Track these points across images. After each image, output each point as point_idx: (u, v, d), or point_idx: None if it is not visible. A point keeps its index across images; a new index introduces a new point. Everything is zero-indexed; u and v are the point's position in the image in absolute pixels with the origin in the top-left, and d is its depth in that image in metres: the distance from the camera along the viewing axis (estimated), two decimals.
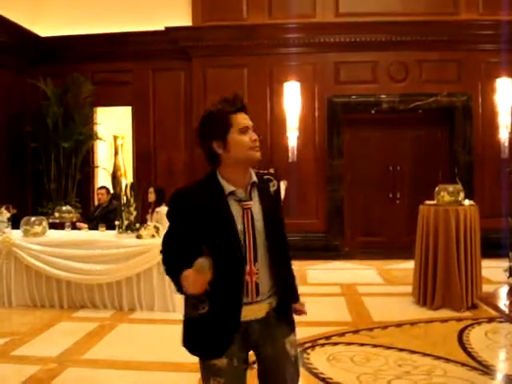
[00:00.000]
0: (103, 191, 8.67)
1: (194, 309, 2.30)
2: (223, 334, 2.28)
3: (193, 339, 2.39)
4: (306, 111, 10.28)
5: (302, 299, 2.63)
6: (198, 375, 4.29)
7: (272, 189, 2.43)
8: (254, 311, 2.32)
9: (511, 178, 7.55)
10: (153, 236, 6.59)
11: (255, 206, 2.32)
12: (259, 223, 2.31)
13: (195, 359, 4.44)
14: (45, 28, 10.63)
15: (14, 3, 10.01)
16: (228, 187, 2.28)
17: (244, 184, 2.32)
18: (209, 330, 2.29)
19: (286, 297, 2.44)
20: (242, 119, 2.31)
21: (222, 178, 2.30)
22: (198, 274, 2.13)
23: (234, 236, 2.24)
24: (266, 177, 2.44)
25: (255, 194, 2.35)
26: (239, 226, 2.25)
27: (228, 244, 2.25)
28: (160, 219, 7.49)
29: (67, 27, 10.54)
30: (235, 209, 2.27)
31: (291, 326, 2.47)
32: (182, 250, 2.31)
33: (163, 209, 7.69)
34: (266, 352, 2.39)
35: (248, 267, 2.26)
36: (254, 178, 2.35)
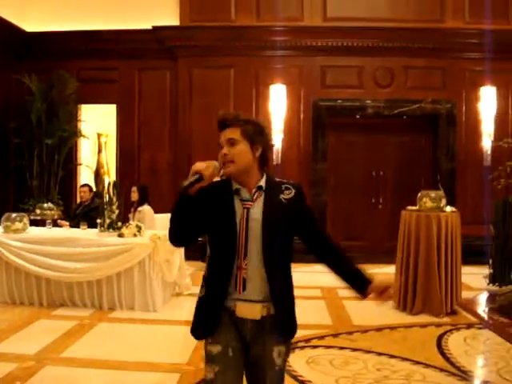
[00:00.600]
0: (86, 189, 8.62)
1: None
2: (208, 317, 2.46)
3: (194, 322, 2.56)
4: (291, 114, 10.29)
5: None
6: (176, 375, 4.32)
7: (286, 196, 2.52)
8: (248, 310, 2.43)
9: (493, 186, 7.61)
10: (134, 235, 6.57)
11: (257, 207, 2.46)
12: (256, 224, 2.43)
13: (173, 360, 4.43)
14: (31, 23, 10.55)
15: None
16: (235, 186, 2.48)
17: (250, 186, 2.48)
18: (200, 312, 2.52)
19: (279, 306, 2.48)
20: (221, 136, 2.50)
21: (233, 178, 2.50)
22: (213, 164, 2.41)
23: (231, 227, 2.42)
24: (284, 185, 2.56)
25: (260, 198, 2.48)
26: (239, 223, 2.42)
27: (225, 232, 2.44)
28: (142, 218, 7.47)
29: (54, 23, 10.47)
30: (238, 206, 2.45)
31: (285, 338, 2.53)
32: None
33: (146, 208, 7.67)
34: (253, 352, 2.49)
35: (238, 261, 2.41)
36: (261, 183, 2.50)
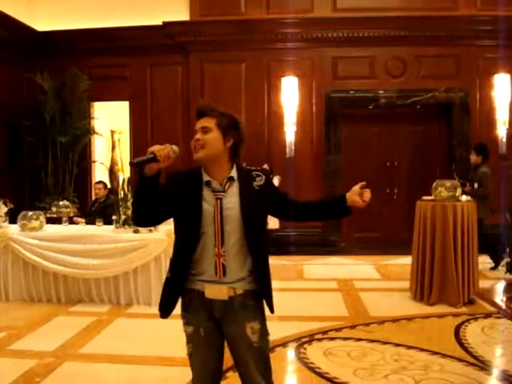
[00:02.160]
0: (100, 186, 8.65)
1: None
2: (169, 298, 2.68)
3: (160, 301, 2.74)
4: (303, 106, 10.28)
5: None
6: None
7: (258, 183, 2.66)
8: (216, 291, 2.58)
9: (509, 174, 7.55)
10: (150, 231, 6.58)
11: (230, 197, 2.59)
12: (231, 212, 2.56)
13: None
14: (42, 22, 10.60)
15: None
16: (205, 177, 2.62)
17: (220, 177, 2.61)
18: (164, 292, 2.72)
19: (261, 284, 2.63)
20: (197, 124, 2.65)
21: (204, 170, 2.64)
22: (168, 147, 2.54)
23: (195, 216, 2.55)
24: (254, 172, 2.70)
25: (233, 188, 2.62)
26: (210, 213, 2.55)
27: (188, 221, 2.58)
28: None
29: (65, 22, 10.51)
30: (210, 197, 2.58)
31: (258, 314, 2.65)
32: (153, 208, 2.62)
33: None
34: (227, 330, 2.65)
35: (216, 249, 2.55)
36: (233, 174, 2.63)
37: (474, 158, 8.29)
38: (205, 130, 2.59)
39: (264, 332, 2.66)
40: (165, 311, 2.69)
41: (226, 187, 2.60)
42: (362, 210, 2.72)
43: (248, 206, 2.58)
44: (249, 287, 2.62)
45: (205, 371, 2.67)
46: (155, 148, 2.51)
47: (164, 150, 2.51)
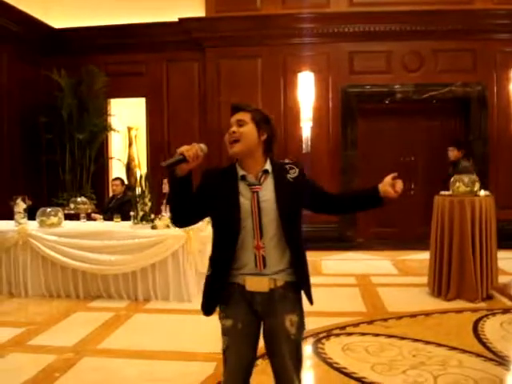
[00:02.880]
0: (118, 182, 8.70)
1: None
2: (213, 295, 2.68)
3: (202, 299, 2.73)
4: (319, 102, 10.25)
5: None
6: (213, 364, 4.36)
7: (291, 175, 2.69)
8: (257, 284, 2.60)
9: None
10: (167, 226, 6.60)
11: (266, 190, 2.62)
12: (268, 205, 2.59)
13: (209, 349, 4.49)
14: (58, 19, 10.65)
15: None
16: (240, 172, 2.65)
17: (255, 171, 2.64)
18: (207, 290, 2.70)
19: (300, 276, 2.67)
20: (232, 118, 2.70)
21: (239, 165, 2.68)
22: (196, 146, 2.59)
23: (233, 210, 2.57)
24: (288, 165, 2.73)
25: (268, 180, 2.65)
26: (248, 207, 2.58)
27: (227, 216, 2.59)
28: None
29: (81, 19, 10.56)
30: (246, 191, 2.61)
31: (297, 307, 2.69)
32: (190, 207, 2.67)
33: None
34: (267, 324, 2.67)
35: (255, 242, 2.57)
36: (267, 167, 2.66)
37: (454, 153, 8.21)
38: (240, 123, 2.64)
39: (301, 325, 2.69)
40: (208, 309, 2.71)
41: (262, 180, 2.63)
42: (392, 201, 2.73)
43: (283, 198, 2.61)
44: (289, 279, 2.65)
45: (239, 365, 2.68)
46: (183, 148, 2.56)
47: (192, 150, 2.56)
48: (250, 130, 2.64)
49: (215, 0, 10.48)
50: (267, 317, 2.65)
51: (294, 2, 10.26)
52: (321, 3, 10.25)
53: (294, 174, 2.71)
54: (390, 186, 2.71)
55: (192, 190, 2.61)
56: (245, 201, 2.59)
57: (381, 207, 2.80)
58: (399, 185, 2.70)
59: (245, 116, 2.66)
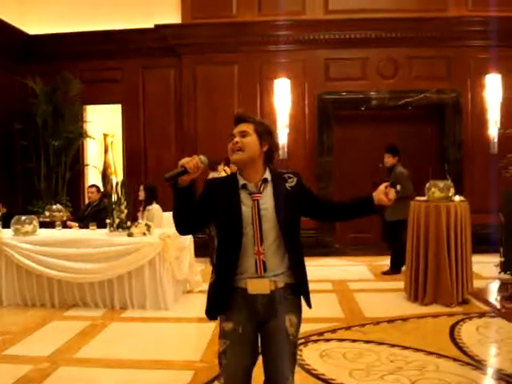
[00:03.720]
0: (93, 189, 8.62)
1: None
2: (219, 298, 2.78)
3: (207, 304, 2.86)
4: (296, 108, 10.28)
5: None
6: (190, 373, 4.34)
7: (289, 184, 2.85)
8: (257, 286, 2.71)
9: (502, 174, 7.57)
10: (144, 234, 6.58)
11: (266, 198, 2.76)
12: (267, 212, 2.73)
13: (186, 357, 4.49)
14: (33, 26, 10.58)
15: (2, 1, 9.96)
16: (241, 181, 2.79)
17: (255, 180, 2.78)
18: (212, 295, 2.83)
19: (298, 279, 2.81)
20: (235, 128, 2.84)
21: (239, 174, 2.83)
22: (196, 158, 2.68)
23: (235, 218, 2.71)
24: (286, 175, 2.89)
25: (268, 189, 2.79)
26: (249, 214, 2.72)
27: (230, 224, 2.73)
28: (151, 217, 7.48)
29: (56, 25, 10.50)
30: (247, 199, 2.75)
31: (296, 308, 2.82)
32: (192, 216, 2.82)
33: (154, 207, 7.67)
34: (268, 325, 2.75)
35: (256, 248, 2.70)
36: (266, 176, 2.82)
37: (389, 159, 8.26)
38: (243, 134, 2.78)
39: (298, 327, 2.82)
40: (213, 314, 2.83)
41: (262, 189, 2.77)
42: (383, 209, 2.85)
43: (281, 206, 2.75)
44: (289, 280, 2.78)
45: (238, 369, 2.75)
46: (184, 161, 2.66)
47: (192, 162, 2.66)
48: (252, 140, 2.78)
49: (191, 7, 10.47)
50: (268, 318, 2.74)
51: (270, 9, 10.28)
52: (297, 10, 10.29)
53: (292, 182, 2.86)
54: (383, 194, 2.84)
55: (194, 200, 2.76)
56: (246, 209, 2.72)
57: (374, 214, 2.98)
58: (392, 193, 2.84)
59: (248, 127, 2.80)
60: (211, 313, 2.83)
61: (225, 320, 2.77)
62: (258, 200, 2.74)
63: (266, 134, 2.84)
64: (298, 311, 2.82)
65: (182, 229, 2.86)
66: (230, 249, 2.73)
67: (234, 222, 2.71)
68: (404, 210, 7.05)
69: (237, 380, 2.75)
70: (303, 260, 2.89)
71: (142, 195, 7.90)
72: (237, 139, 2.77)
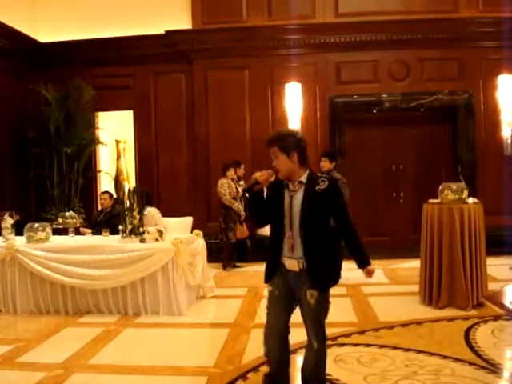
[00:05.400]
0: (106, 196, 8.63)
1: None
2: (271, 269, 3.67)
3: (265, 273, 3.75)
4: (307, 112, 10.28)
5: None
6: (203, 379, 4.33)
7: (320, 187, 3.50)
8: (291, 264, 3.55)
9: None
10: (156, 240, 6.57)
11: (297, 196, 3.53)
12: (296, 208, 3.50)
13: (200, 363, 4.51)
14: (45, 34, 10.67)
15: (14, 9, 10.06)
16: (285, 181, 3.61)
17: (294, 182, 3.56)
18: (266, 266, 3.72)
19: (310, 262, 3.49)
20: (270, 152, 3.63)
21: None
22: (266, 172, 3.62)
23: (280, 209, 3.57)
24: (320, 178, 3.57)
25: (300, 189, 3.54)
26: (287, 207, 3.54)
27: (276, 215, 3.59)
28: (150, 220, 7.45)
29: (67, 33, 10.58)
30: (287, 196, 3.57)
31: (315, 284, 3.49)
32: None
33: (150, 210, 7.63)
34: (297, 295, 3.60)
35: (288, 233, 3.53)
36: (302, 179, 3.55)
37: (326, 164, 8.09)
38: (275, 156, 3.57)
39: (322, 299, 3.52)
40: (267, 278, 3.70)
41: (297, 188, 3.55)
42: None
43: (306, 204, 3.48)
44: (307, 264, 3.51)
45: (276, 323, 3.64)
46: (257, 175, 3.60)
47: (264, 176, 3.60)
48: (281, 160, 3.54)
49: (202, 12, 10.50)
50: (296, 290, 3.57)
51: (280, 14, 10.29)
52: (307, 14, 10.29)
53: (322, 185, 3.50)
54: (366, 273, 3.70)
55: (263, 200, 3.67)
56: (286, 203, 3.55)
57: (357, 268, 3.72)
58: (372, 274, 3.72)
59: (274, 149, 3.56)
60: (266, 277, 3.70)
61: (269, 285, 3.67)
62: (292, 196, 3.54)
63: (292, 145, 3.53)
64: (321, 288, 3.51)
65: (256, 222, 3.88)
66: (276, 232, 3.61)
67: (278, 212, 3.56)
68: None
69: (275, 332, 3.63)
70: (324, 251, 3.51)
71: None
72: (273, 163, 3.58)
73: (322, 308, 3.55)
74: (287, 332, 3.67)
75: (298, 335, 3.91)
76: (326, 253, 3.52)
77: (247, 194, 3.79)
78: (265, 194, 3.73)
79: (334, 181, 3.64)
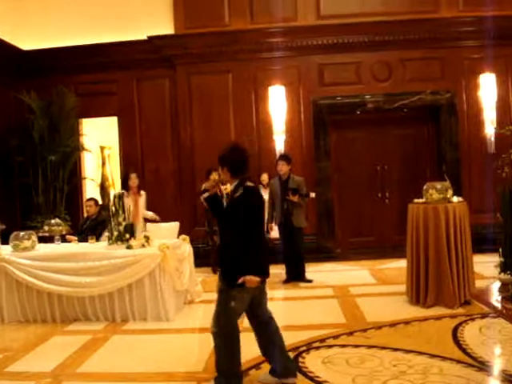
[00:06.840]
0: (91, 203, 8.59)
1: None
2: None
3: None
4: (291, 114, 10.29)
5: None
6: (193, 383, 4.30)
7: (236, 194, 4.05)
8: None
9: (499, 174, 7.55)
10: (143, 246, 6.57)
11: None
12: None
13: (189, 368, 4.49)
14: (27, 41, 10.59)
15: None
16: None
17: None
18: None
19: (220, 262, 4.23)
20: None
21: None
22: (211, 180, 4.57)
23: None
24: (239, 188, 4.10)
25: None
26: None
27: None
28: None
29: (49, 40, 10.52)
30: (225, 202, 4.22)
31: (221, 280, 4.08)
32: None
33: None
34: None
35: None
36: (231, 188, 4.15)
37: (284, 167, 8.29)
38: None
39: (223, 291, 4.02)
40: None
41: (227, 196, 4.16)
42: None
43: (226, 210, 4.16)
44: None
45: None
46: (205, 184, 4.33)
47: (209, 183, 4.22)
48: (223, 172, 4.20)
49: (184, 17, 10.49)
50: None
51: (262, 17, 10.31)
52: (289, 17, 10.31)
53: (237, 193, 4.03)
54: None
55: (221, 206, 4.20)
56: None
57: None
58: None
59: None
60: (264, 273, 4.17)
61: None
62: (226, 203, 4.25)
63: (220, 160, 4.15)
64: (223, 282, 4.04)
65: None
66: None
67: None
68: (303, 217, 8.24)
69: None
70: (234, 251, 3.94)
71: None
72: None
73: (224, 300, 4.03)
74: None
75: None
76: (234, 253, 3.95)
77: (202, 200, 4.24)
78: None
79: (251, 188, 4.15)
